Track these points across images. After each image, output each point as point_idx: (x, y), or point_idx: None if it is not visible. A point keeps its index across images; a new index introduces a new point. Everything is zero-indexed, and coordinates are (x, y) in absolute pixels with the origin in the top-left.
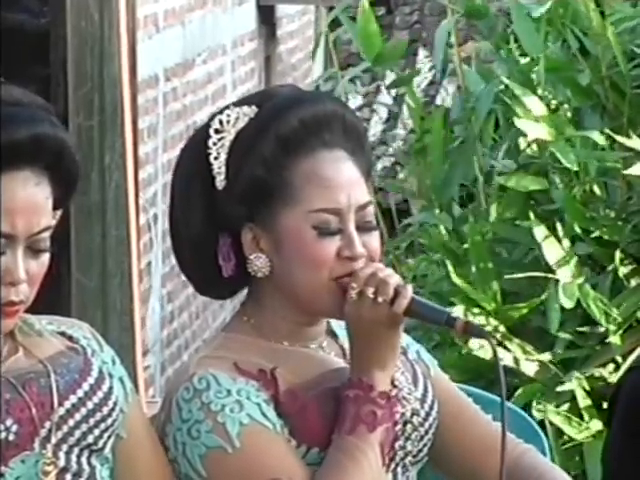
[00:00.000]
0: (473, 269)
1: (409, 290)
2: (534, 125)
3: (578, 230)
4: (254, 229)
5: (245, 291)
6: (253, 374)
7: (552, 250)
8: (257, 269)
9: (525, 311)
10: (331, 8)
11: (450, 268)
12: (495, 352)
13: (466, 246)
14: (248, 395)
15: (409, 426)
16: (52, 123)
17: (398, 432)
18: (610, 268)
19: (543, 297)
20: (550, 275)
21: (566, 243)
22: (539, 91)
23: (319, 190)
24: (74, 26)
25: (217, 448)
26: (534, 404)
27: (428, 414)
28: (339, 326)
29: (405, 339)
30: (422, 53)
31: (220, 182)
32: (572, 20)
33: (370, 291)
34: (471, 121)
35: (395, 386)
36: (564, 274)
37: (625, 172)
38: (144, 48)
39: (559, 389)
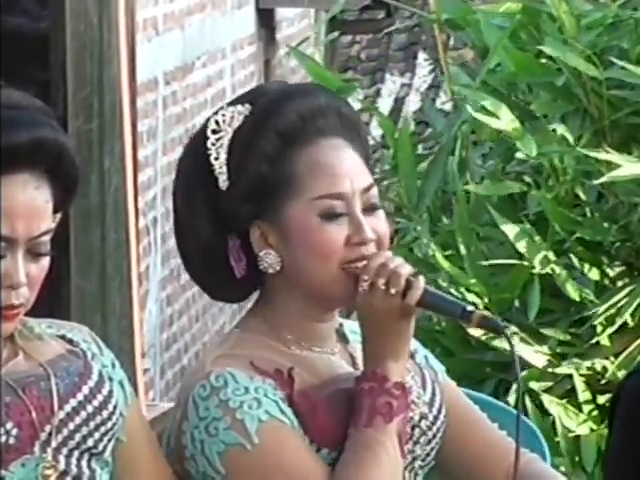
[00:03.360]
0: (462, 250)
1: (421, 281)
2: (494, 120)
3: (559, 231)
4: (261, 225)
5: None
6: (270, 373)
7: (524, 243)
8: (268, 265)
9: (516, 292)
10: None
11: (438, 255)
12: (512, 346)
13: (448, 253)
14: (266, 392)
15: (417, 430)
16: (52, 126)
17: (407, 436)
18: (596, 269)
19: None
20: (525, 263)
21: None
22: (520, 96)
23: (322, 177)
24: (73, 30)
25: (236, 445)
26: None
27: (436, 418)
28: (350, 330)
29: (413, 344)
30: (421, 56)
31: (223, 182)
32: (544, 25)
33: (381, 282)
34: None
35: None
36: (539, 262)
37: (596, 182)
38: (143, 51)
39: (557, 370)
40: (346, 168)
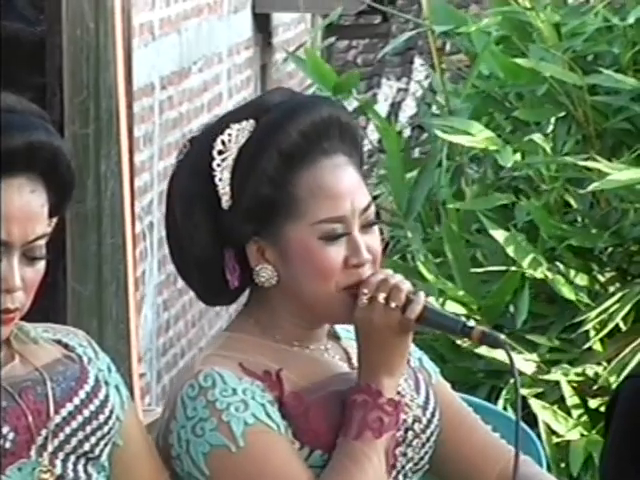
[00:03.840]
0: (450, 256)
1: (422, 296)
2: (466, 138)
3: (546, 238)
4: (259, 241)
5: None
6: (258, 375)
7: (514, 247)
8: (264, 280)
9: (506, 299)
10: (327, 17)
11: (422, 267)
12: (512, 361)
13: (438, 260)
14: (253, 395)
15: (410, 433)
16: (47, 130)
17: (399, 439)
18: (586, 276)
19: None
20: (515, 268)
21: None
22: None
23: (323, 201)
24: (70, 35)
25: (221, 447)
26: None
27: (430, 421)
28: (342, 328)
29: None
30: (418, 61)
31: (226, 202)
32: (526, 34)
33: (382, 297)
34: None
35: (398, 392)
36: (529, 266)
37: (583, 191)
38: (140, 56)
39: (546, 377)
40: (347, 189)
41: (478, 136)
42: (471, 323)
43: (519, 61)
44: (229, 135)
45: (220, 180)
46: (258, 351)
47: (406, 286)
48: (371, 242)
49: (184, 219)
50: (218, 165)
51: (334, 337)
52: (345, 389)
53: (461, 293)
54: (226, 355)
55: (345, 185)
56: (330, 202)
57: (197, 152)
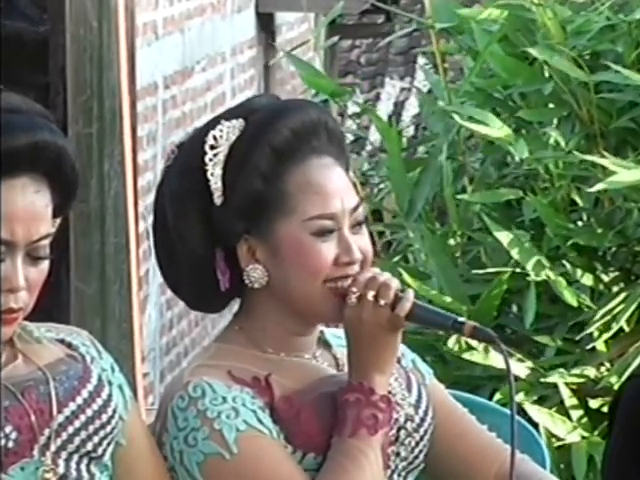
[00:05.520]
0: (436, 272)
1: (411, 294)
2: (484, 127)
3: (551, 235)
4: (249, 240)
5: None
6: (247, 382)
7: (518, 249)
8: (254, 280)
9: (497, 302)
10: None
11: (405, 275)
12: (505, 356)
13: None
14: (243, 402)
15: (403, 432)
16: (51, 130)
17: (392, 438)
18: (590, 275)
19: (505, 279)
20: (518, 270)
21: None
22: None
23: (313, 197)
24: (73, 34)
25: (214, 455)
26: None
27: (423, 420)
28: (333, 335)
29: (400, 349)
30: (421, 61)
31: (218, 197)
32: (529, 31)
33: (371, 295)
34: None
35: (389, 392)
36: (533, 268)
37: (591, 189)
38: (143, 55)
39: (542, 380)
40: (336, 188)
41: (494, 127)
42: (462, 319)
43: (532, 51)
44: (220, 131)
45: (212, 175)
46: (246, 360)
47: (395, 283)
48: (361, 242)
49: (176, 219)
50: (210, 159)
51: (325, 345)
52: (335, 390)
53: (448, 299)
54: (214, 364)
55: (334, 184)
56: (320, 199)
57: (187, 152)
